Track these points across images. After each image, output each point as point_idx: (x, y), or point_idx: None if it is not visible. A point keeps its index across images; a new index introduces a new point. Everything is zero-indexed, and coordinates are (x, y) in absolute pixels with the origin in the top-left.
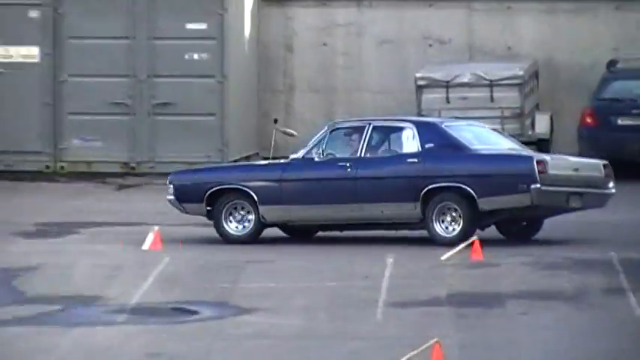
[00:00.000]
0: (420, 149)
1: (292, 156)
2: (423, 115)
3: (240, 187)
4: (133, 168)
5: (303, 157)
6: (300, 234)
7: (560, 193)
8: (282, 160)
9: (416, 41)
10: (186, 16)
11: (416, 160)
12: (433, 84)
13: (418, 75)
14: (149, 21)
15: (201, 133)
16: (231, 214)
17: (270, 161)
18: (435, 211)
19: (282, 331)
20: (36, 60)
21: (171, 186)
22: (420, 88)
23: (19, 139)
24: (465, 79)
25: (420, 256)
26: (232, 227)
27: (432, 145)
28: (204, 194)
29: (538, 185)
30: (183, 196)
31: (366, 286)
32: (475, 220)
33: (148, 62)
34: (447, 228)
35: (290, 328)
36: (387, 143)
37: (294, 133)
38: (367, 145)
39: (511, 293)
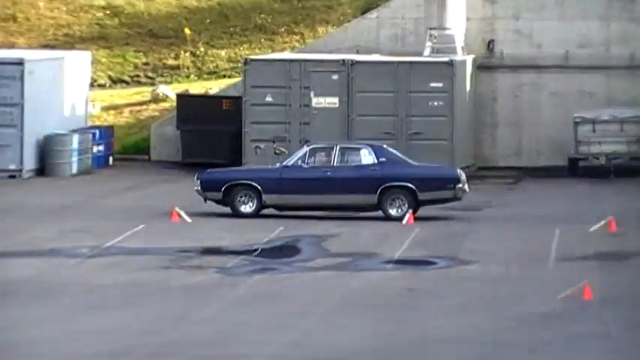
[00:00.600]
0: (377, 161)
1: (281, 164)
2: (578, 142)
3: (248, 183)
4: None
5: (292, 165)
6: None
7: (463, 190)
8: (276, 166)
9: (573, 94)
10: (430, 79)
11: (376, 168)
12: (585, 120)
13: (575, 115)
14: (406, 81)
15: (438, 152)
16: (240, 199)
17: (269, 166)
18: (389, 201)
19: (487, 275)
20: (336, 105)
21: (199, 181)
22: (576, 124)
23: None
24: (605, 117)
25: (575, 229)
26: (243, 208)
27: (384, 159)
28: (222, 187)
29: (460, 185)
30: (207, 188)
31: (542, 247)
32: (414, 206)
33: (406, 107)
34: (396, 210)
35: (493, 274)
36: (350, 157)
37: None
38: (337, 158)
39: (634, 252)
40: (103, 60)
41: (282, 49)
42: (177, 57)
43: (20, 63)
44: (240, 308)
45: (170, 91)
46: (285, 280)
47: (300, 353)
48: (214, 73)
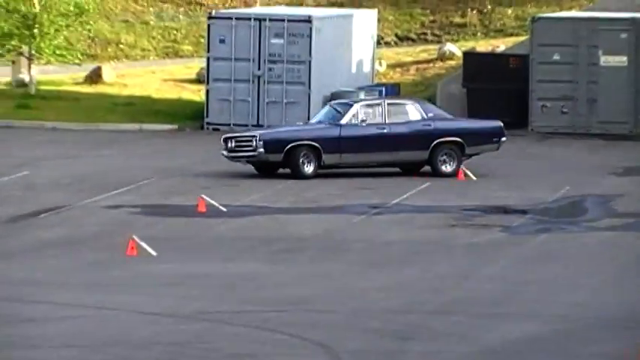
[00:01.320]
0: (426, 117)
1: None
2: None
3: (310, 143)
4: None
5: (346, 123)
6: (265, 171)
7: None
8: (322, 124)
9: None
10: None
11: (429, 123)
12: None
13: None
14: None
15: None
16: (303, 160)
17: (325, 124)
18: (439, 156)
19: None
20: (625, 64)
21: (262, 142)
22: None
23: (613, 113)
24: None
25: None
26: (305, 169)
27: (432, 114)
28: (285, 148)
29: (504, 138)
30: (270, 149)
31: None
32: (461, 161)
33: None
34: (446, 166)
35: None
36: (398, 113)
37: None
38: (386, 114)
39: None
40: (390, 18)
41: (570, 7)
42: (464, 15)
43: (308, 20)
44: (525, 267)
45: (456, 48)
46: (571, 239)
47: (583, 314)
48: (501, 31)
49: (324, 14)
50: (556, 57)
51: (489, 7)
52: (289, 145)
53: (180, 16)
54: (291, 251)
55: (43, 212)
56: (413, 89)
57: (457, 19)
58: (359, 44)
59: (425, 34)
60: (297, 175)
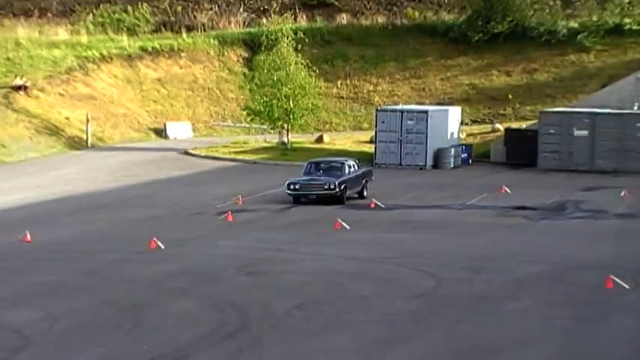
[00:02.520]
0: (359, 168)
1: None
2: None
3: (347, 184)
4: None
5: (347, 172)
6: (298, 200)
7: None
8: (339, 173)
9: None
10: None
11: (363, 170)
12: None
13: None
14: None
15: None
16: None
17: (334, 173)
18: (363, 188)
19: None
20: (586, 134)
21: (338, 184)
22: None
23: (581, 159)
24: None
25: None
26: (345, 199)
27: (360, 165)
28: (342, 186)
29: (374, 177)
30: (340, 188)
31: None
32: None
33: None
34: (365, 194)
35: None
36: (352, 166)
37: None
38: (350, 166)
39: None
40: (468, 110)
41: (561, 105)
42: (504, 110)
43: (426, 112)
44: (537, 237)
45: (501, 126)
46: (560, 223)
47: (570, 260)
48: (524, 117)
49: (434, 109)
50: (552, 131)
51: (517, 105)
52: (343, 185)
53: (362, 109)
54: (417, 228)
55: (291, 207)
56: (478, 147)
57: (501, 111)
58: (451, 123)
59: (484, 119)
60: (343, 202)
